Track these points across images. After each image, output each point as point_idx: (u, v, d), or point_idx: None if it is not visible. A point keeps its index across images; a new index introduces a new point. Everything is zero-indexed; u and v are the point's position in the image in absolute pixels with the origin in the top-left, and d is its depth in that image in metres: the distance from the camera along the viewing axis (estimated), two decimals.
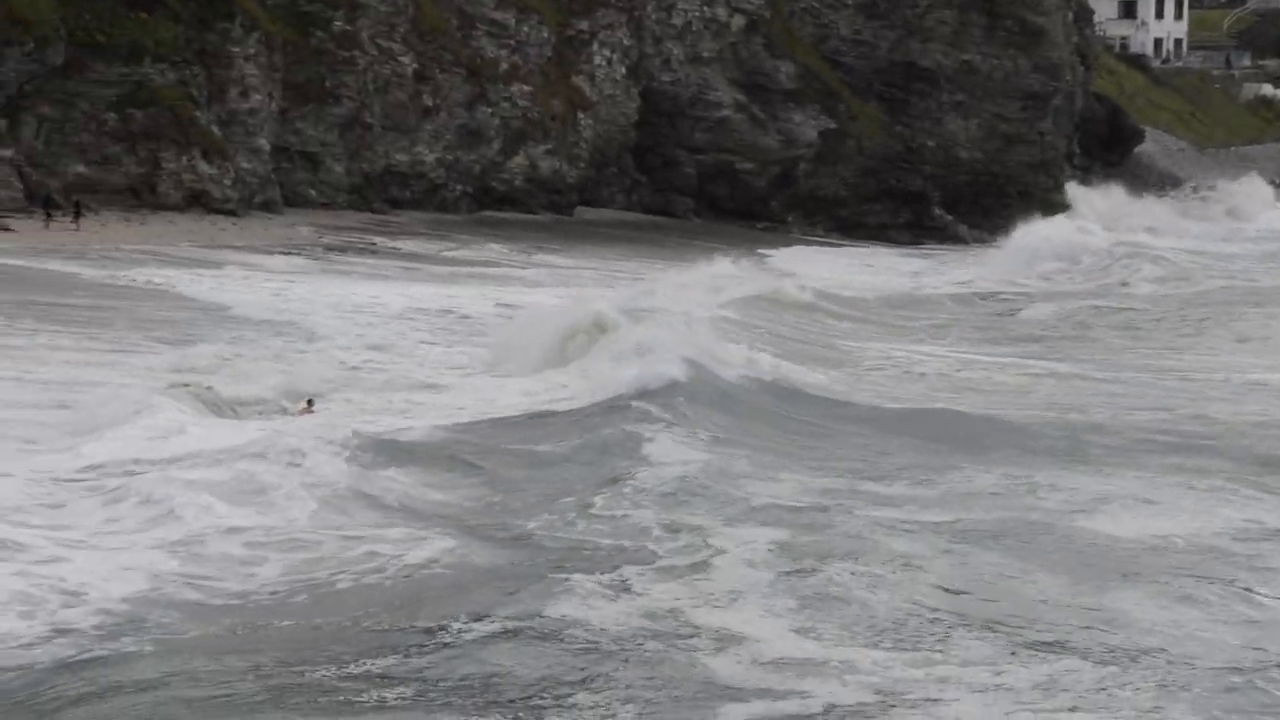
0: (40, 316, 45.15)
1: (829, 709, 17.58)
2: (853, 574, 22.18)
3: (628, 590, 21.38)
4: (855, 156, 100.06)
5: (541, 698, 17.53)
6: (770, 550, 23.15)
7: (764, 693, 17.83)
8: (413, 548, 23.69)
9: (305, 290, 55.02)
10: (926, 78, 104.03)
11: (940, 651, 19.47)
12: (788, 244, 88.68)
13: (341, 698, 17.56)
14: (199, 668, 18.58)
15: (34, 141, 72.38)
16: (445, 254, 72.19)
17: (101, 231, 67.07)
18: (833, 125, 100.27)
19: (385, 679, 18.09)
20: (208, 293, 52.66)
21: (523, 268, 69.68)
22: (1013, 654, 19.44)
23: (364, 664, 18.56)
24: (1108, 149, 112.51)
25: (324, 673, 18.35)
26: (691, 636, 19.64)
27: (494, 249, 76.07)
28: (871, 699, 17.90)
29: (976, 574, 22.89)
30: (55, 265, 56.12)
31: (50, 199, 67.51)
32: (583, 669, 18.28)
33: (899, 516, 25.76)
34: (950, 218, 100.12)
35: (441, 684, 17.94)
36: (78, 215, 67.01)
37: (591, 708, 17.31)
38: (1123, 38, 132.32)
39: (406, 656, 18.78)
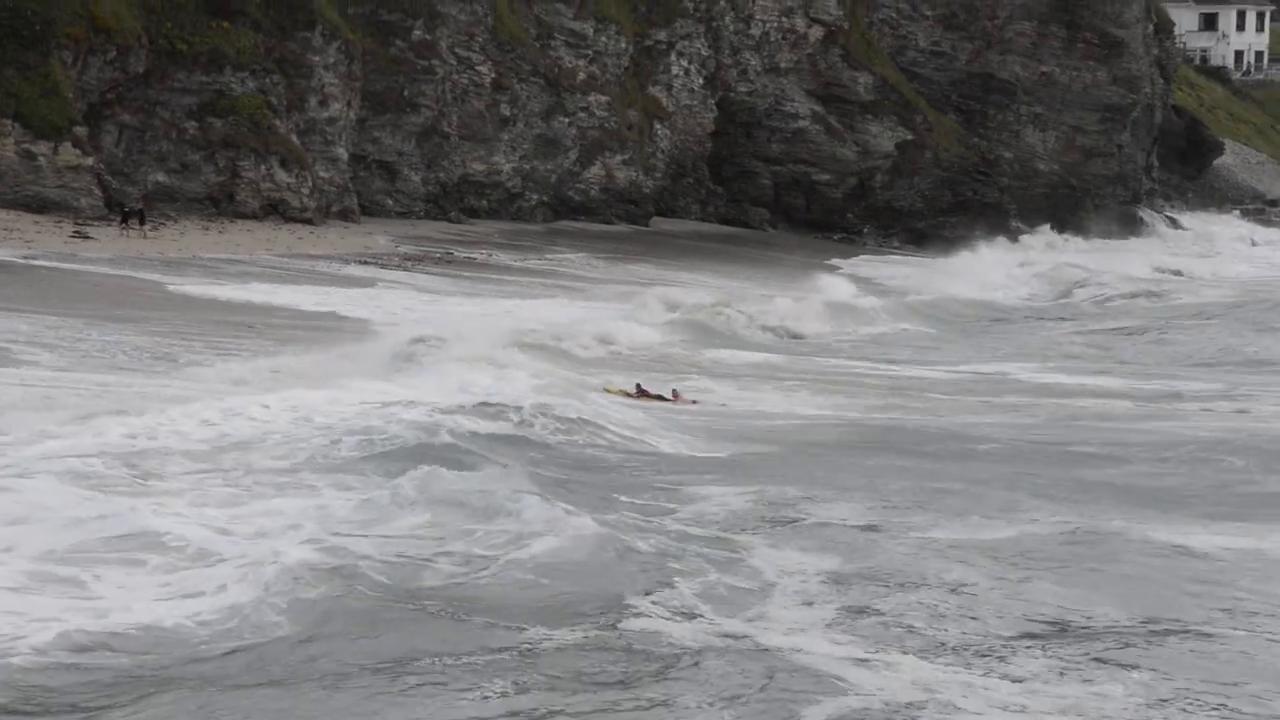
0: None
1: None
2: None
3: None
4: (931, 168, 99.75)
5: None
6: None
7: None
8: None
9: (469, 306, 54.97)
10: (1004, 89, 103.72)
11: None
12: (858, 254, 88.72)
13: None
14: None
15: (114, 149, 72.89)
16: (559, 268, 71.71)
17: (180, 241, 67.40)
18: (909, 137, 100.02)
19: None
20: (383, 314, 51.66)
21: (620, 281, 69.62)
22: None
23: None
24: (1186, 162, 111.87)
25: None
26: None
27: (582, 259, 76.17)
28: None
29: None
30: (193, 287, 55.55)
31: (129, 209, 67.90)
32: None
33: None
34: (1028, 229, 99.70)
35: None
36: (143, 221, 67.29)
37: None
38: (1203, 50, 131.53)
39: None
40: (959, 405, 39.60)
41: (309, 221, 74.92)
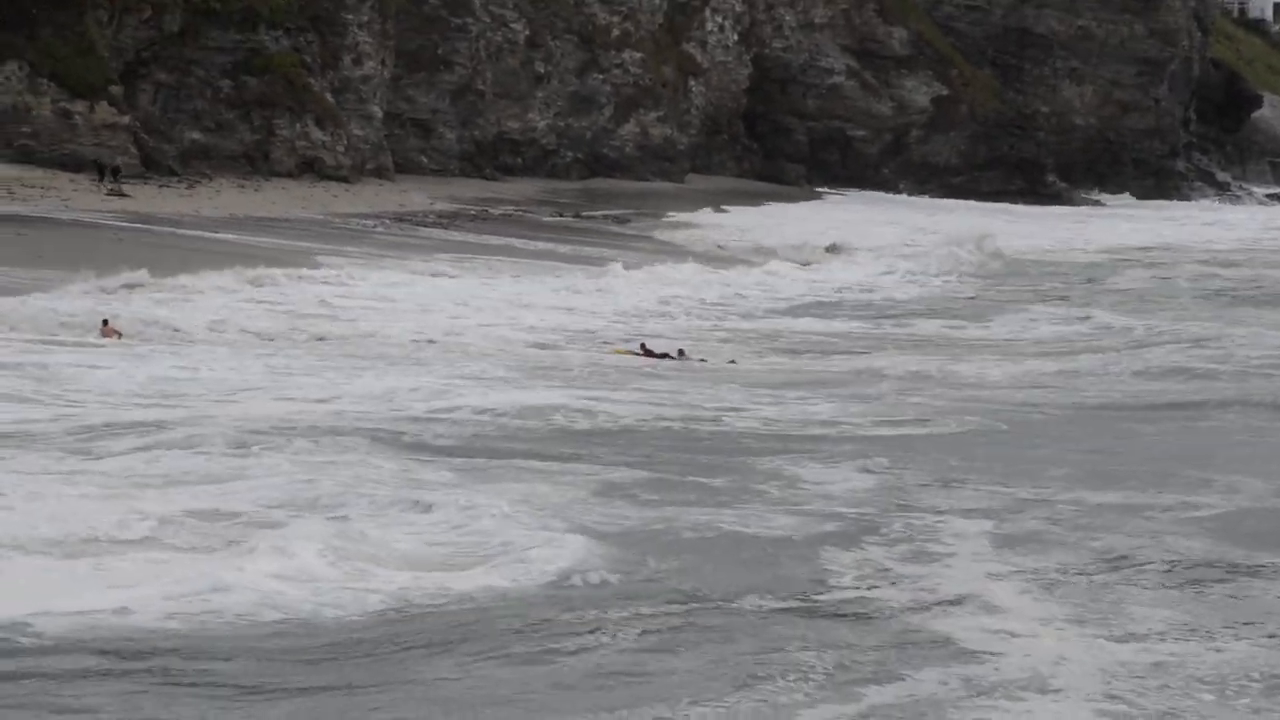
0: None
1: None
2: None
3: None
4: (968, 123, 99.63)
5: None
6: None
7: None
8: None
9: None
10: (1040, 44, 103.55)
11: None
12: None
13: None
14: None
15: (150, 108, 73.30)
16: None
17: (216, 199, 67.84)
18: (945, 92, 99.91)
19: None
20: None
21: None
22: None
23: None
24: (1224, 115, 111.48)
25: None
26: None
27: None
28: None
29: None
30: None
31: (106, 167, 67.61)
32: None
33: None
34: (1065, 184, 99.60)
35: None
36: (116, 178, 66.81)
37: None
38: (1241, 2, 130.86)
39: None
40: None
41: (344, 179, 75.29)
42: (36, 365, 31.16)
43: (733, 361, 36.84)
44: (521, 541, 21.48)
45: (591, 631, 18.25)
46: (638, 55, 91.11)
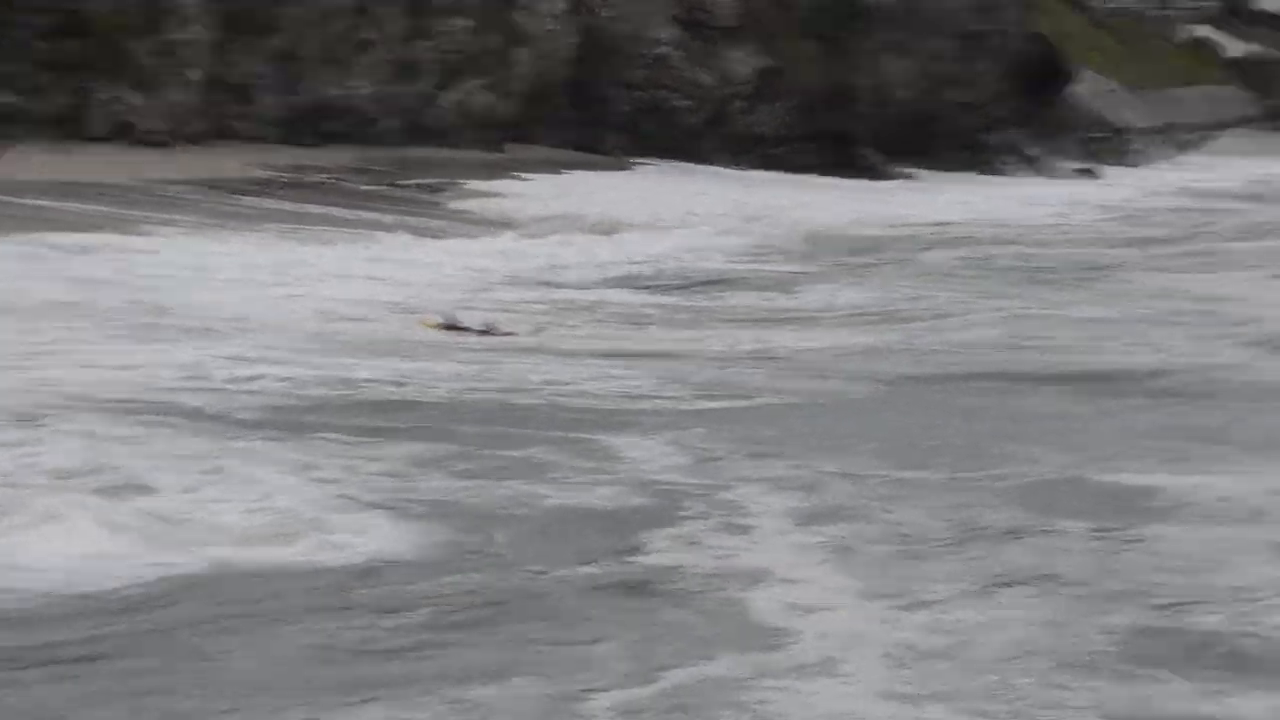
0: None
1: None
2: None
3: None
4: (790, 95, 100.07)
5: None
6: None
7: None
8: None
9: None
10: (866, 16, 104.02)
11: None
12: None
13: None
14: None
15: None
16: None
17: (20, 163, 66.33)
18: (770, 63, 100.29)
19: None
20: None
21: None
22: None
23: None
24: (1040, 90, 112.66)
25: None
26: None
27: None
28: None
29: None
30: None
31: None
32: None
33: None
34: (880, 157, 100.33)
35: None
36: None
37: None
38: None
39: None
40: None
41: (161, 144, 74.12)
42: None
43: (538, 332, 36.56)
44: (326, 518, 21.33)
45: (391, 611, 18.17)
46: (467, 23, 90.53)
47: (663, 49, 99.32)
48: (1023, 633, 18.13)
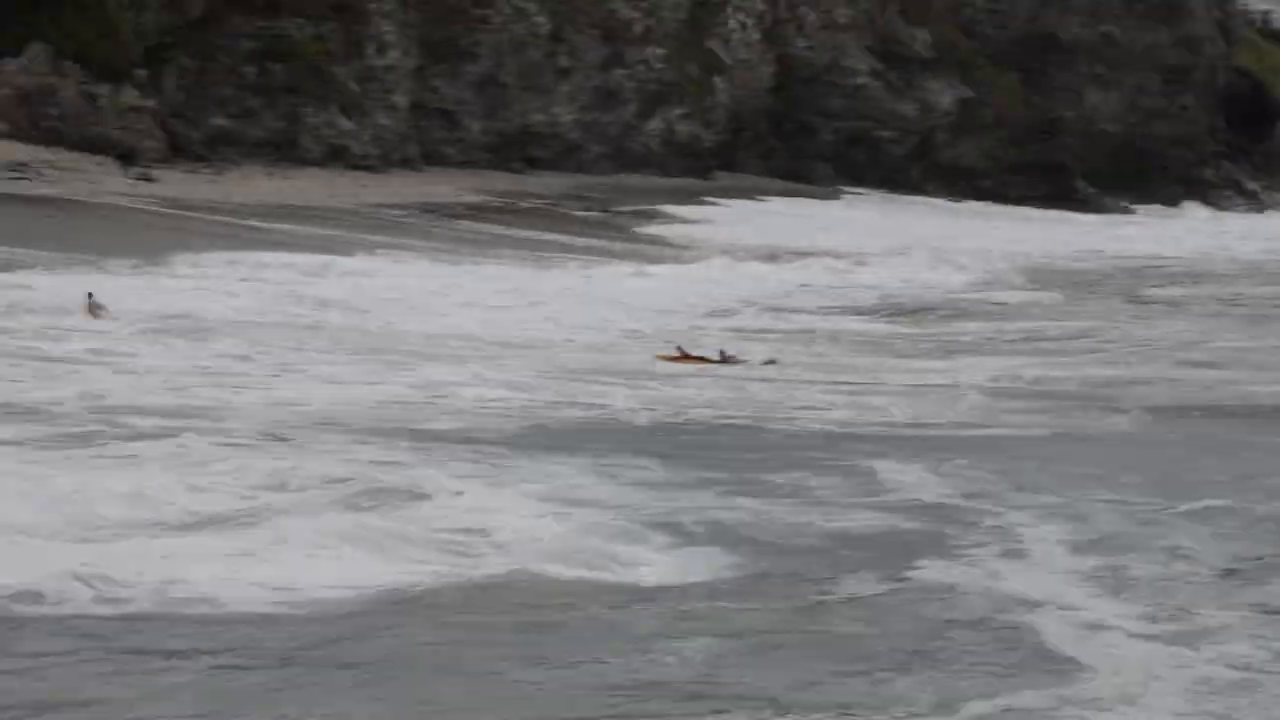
0: None
1: None
2: None
3: None
4: (994, 127, 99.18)
5: None
6: None
7: None
8: None
9: None
10: (1064, 49, 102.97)
11: None
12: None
13: None
14: None
15: (175, 93, 72.71)
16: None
17: (244, 185, 67.40)
18: (970, 94, 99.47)
19: None
20: None
21: None
22: None
23: None
24: (1250, 124, 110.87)
25: None
26: None
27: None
28: None
29: None
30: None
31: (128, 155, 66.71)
32: None
33: None
34: (1093, 190, 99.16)
35: None
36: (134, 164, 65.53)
37: None
38: (1264, 13, 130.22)
39: None
40: None
41: (371, 169, 74.81)
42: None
43: (770, 362, 36.06)
44: (606, 541, 20.97)
45: (676, 637, 17.72)
46: (661, 51, 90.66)
47: (861, 79, 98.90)
48: None
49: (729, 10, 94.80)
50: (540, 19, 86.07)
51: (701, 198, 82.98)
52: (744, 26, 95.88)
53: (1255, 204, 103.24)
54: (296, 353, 33.31)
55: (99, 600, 17.08)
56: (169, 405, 26.71)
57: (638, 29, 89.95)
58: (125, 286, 39.07)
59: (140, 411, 25.84)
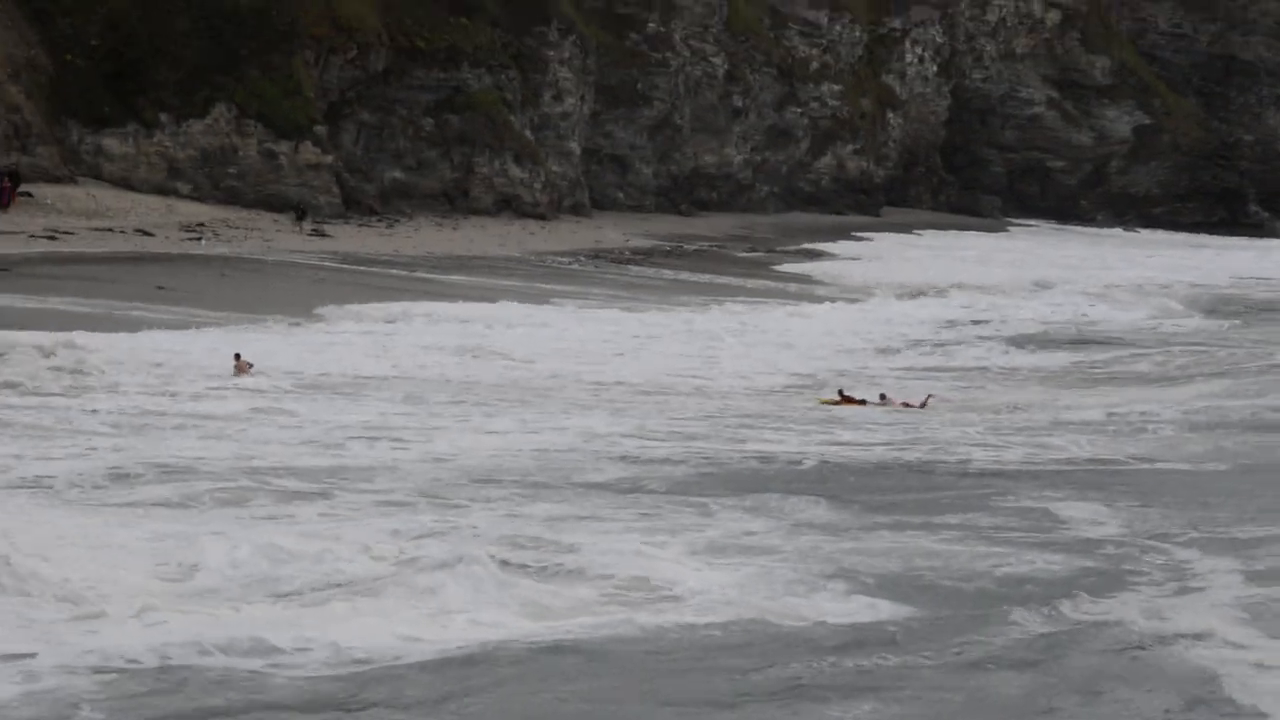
0: None
1: None
2: None
3: None
4: (1170, 153, 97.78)
5: None
6: None
7: None
8: None
9: None
10: (1247, 71, 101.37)
11: None
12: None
13: None
14: None
15: (353, 147, 73.43)
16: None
17: (414, 238, 67.77)
18: (1147, 121, 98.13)
19: None
20: None
21: None
22: None
23: None
24: None
25: None
26: None
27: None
28: None
29: None
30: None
31: (300, 209, 67.21)
32: None
33: None
34: (1267, 214, 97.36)
35: None
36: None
37: None
38: None
39: None
40: None
41: (541, 217, 75.01)
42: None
43: (925, 403, 35.43)
44: (806, 587, 20.66)
45: (873, 688, 17.42)
46: (836, 88, 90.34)
47: (1036, 109, 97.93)
48: None
49: (907, 44, 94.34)
50: (717, 60, 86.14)
51: (879, 234, 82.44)
52: (921, 60, 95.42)
53: None
54: (456, 406, 33.17)
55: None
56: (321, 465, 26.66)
57: (814, 66, 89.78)
58: (280, 342, 39.18)
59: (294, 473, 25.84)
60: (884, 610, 19.80)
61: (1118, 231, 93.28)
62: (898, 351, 45.07)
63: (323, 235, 65.58)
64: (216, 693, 16.23)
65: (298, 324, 42.39)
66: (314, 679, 16.74)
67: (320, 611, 18.76)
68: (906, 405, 35.08)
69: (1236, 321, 54.13)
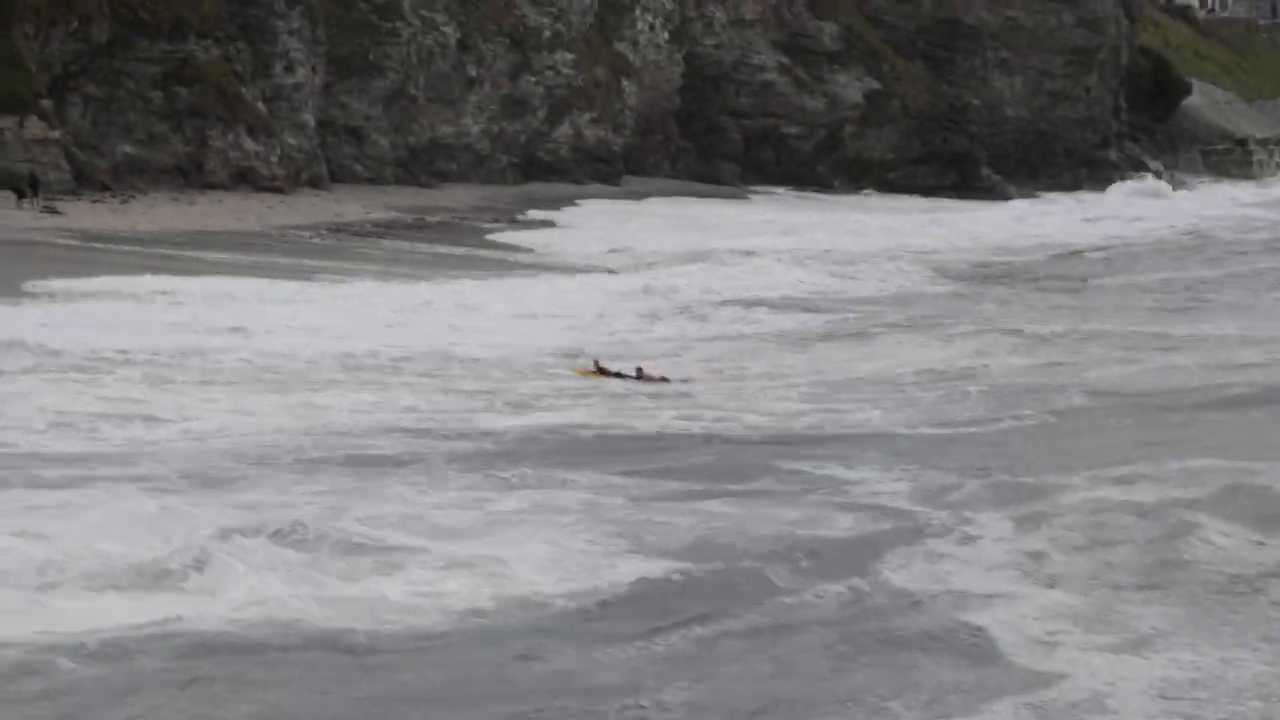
0: None
1: None
2: None
3: None
4: (901, 117, 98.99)
5: None
6: None
7: None
8: None
9: None
10: (970, 35, 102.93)
11: None
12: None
13: None
14: None
15: (80, 121, 71.50)
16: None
17: (150, 213, 66.15)
18: (877, 86, 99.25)
19: None
20: None
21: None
22: None
23: None
24: (1154, 103, 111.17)
25: None
26: None
27: None
28: None
29: None
30: None
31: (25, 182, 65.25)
32: None
33: None
34: (998, 177, 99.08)
35: None
36: (36, 193, 64.21)
37: None
38: None
39: None
40: None
41: (279, 190, 73.73)
42: None
43: (687, 380, 35.13)
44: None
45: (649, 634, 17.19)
46: (570, 56, 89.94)
47: (769, 75, 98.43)
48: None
49: (637, 11, 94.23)
50: (448, 29, 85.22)
51: (620, 203, 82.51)
52: (652, 27, 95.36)
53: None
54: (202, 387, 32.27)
55: None
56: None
57: (546, 34, 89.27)
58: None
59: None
60: (679, 578, 19.57)
61: (856, 197, 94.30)
62: (656, 320, 44.96)
63: (55, 213, 63.79)
64: None
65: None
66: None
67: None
68: (664, 380, 34.77)
69: (985, 284, 54.90)
